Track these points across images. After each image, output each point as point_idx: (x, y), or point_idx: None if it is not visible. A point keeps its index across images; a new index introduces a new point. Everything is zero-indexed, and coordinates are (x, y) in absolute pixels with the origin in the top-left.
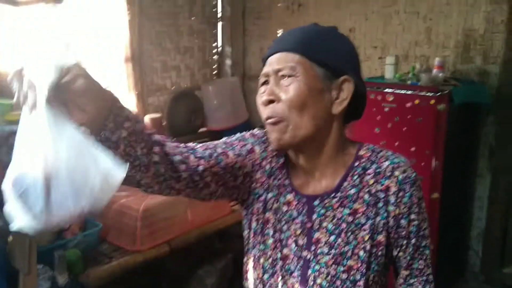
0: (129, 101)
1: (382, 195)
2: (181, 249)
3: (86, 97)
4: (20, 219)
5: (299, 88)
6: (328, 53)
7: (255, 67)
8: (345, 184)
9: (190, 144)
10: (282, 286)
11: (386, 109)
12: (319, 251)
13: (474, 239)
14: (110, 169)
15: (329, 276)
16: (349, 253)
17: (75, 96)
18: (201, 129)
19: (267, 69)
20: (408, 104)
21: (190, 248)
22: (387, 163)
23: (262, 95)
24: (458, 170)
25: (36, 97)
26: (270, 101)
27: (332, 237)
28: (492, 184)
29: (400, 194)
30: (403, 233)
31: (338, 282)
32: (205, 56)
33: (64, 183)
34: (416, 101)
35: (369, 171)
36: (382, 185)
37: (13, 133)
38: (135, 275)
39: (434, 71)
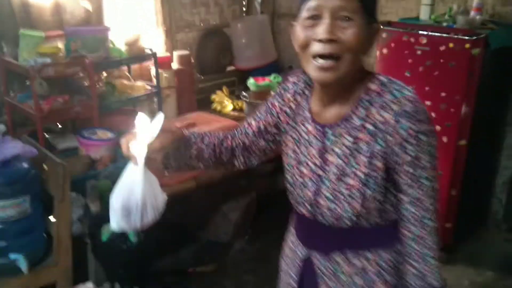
0: (157, 37)
1: (382, 126)
2: (207, 184)
3: (167, 150)
4: (118, 224)
5: (358, 34)
6: (375, 3)
7: (285, 5)
8: (353, 115)
9: (240, 127)
10: (301, 195)
11: (419, 52)
12: (329, 170)
13: (499, 187)
14: (162, 195)
15: (334, 191)
16: (351, 174)
17: (161, 152)
18: (229, 68)
19: (322, 2)
20: (442, 48)
21: (215, 184)
22: (389, 96)
23: (312, 29)
24: (488, 117)
25: (139, 157)
26: (331, 40)
27: (339, 160)
28: None
29: (396, 125)
30: (399, 160)
31: (341, 197)
32: None
33: (148, 206)
34: (450, 45)
35: (375, 104)
36: (382, 117)
37: (46, 65)
38: None
39: (472, 13)
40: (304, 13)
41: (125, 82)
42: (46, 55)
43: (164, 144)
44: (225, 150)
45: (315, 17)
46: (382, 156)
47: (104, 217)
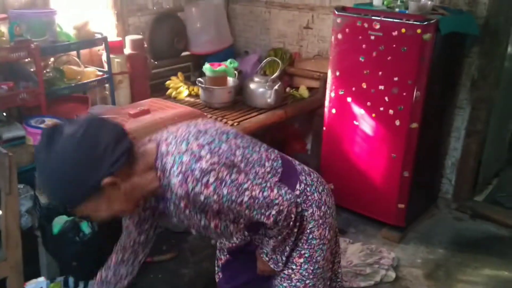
0: (108, 21)
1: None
2: None
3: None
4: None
5: (94, 209)
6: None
7: None
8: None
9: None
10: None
11: (372, 38)
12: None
13: (448, 168)
14: None
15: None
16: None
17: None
18: (184, 53)
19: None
20: (395, 33)
21: None
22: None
23: None
24: (438, 101)
25: None
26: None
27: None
28: (471, 115)
29: None
30: None
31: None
32: None
33: None
34: (403, 30)
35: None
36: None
37: None
38: None
39: None
40: None
41: (74, 67)
42: None
43: None
44: (131, 256)
45: None
46: None
47: (54, 208)
